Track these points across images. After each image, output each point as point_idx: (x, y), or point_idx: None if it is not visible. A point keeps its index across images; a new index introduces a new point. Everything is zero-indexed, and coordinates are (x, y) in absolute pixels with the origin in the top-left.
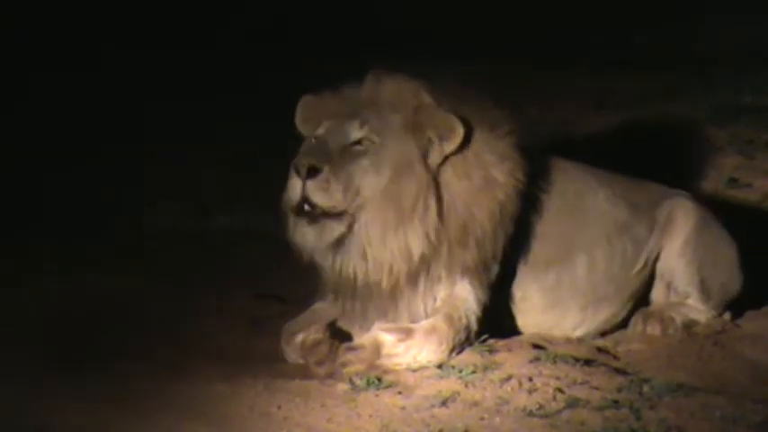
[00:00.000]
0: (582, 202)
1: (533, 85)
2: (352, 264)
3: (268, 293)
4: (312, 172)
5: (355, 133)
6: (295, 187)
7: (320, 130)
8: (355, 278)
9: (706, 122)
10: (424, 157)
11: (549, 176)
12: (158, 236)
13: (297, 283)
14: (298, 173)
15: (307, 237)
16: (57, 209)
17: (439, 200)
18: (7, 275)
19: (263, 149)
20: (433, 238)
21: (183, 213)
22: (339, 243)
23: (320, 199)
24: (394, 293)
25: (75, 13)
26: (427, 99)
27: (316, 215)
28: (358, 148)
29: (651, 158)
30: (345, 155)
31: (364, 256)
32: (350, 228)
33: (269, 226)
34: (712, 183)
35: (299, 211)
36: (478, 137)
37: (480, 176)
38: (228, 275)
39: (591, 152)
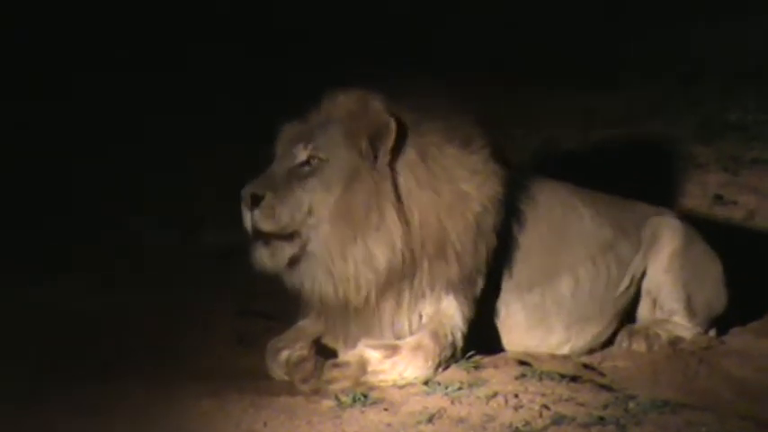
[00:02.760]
0: (567, 222)
1: (519, 103)
2: (317, 282)
3: (254, 310)
4: (256, 200)
5: (301, 154)
6: (246, 217)
7: (275, 158)
8: (325, 296)
9: (691, 140)
10: (371, 162)
11: (534, 194)
12: (146, 252)
13: (282, 299)
14: (245, 203)
15: (263, 259)
16: (45, 223)
17: (397, 206)
18: None
19: (252, 167)
20: (399, 245)
21: (171, 230)
22: (295, 263)
23: (267, 225)
24: (373, 309)
25: (75, 16)
26: (372, 106)
27: (268, 238)
28: (306, 168)
29: (637, 176)
30: (292, 177)
31: (329, 273)
32: (303, 247)
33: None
34: (697, 200)
35: (254, 235)
36: (447, 152)
37: (449, 191)
38: (215, 292)
39: (576, 170)
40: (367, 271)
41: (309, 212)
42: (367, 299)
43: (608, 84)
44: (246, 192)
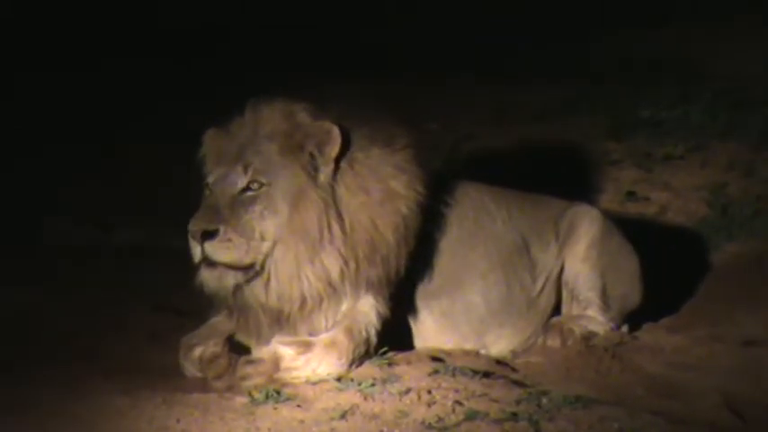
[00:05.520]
0: (479, 227)
1: (433, 99)
2: (266, 300)
3: (167, 306)
4: (207, 235)
5: (241, 180)
6: (195, 250)
7: (210, 178)
8: (268, 309)
9: (604, 136)
10: (314, 177)
11: (448, 197)
12: (59, 250)
13: (196, 296)
14: (194, 238)
15: (209, 282)
16: None
17: (339, 216)
18: None
19: (167, 165)
20: (344, 253)
21: (85, 228)
22: (240, 287)
23: (225, 256)
24: (302, 313)
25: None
26: (303, 118)
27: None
28: (248, 194)
29: (550, 172)
30: (238, 206)
31: (276, 292)
32: (252, 277)
33: (170, 241)
34: (610, 196)
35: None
36: (372, 153)
37: (379, 189)
38: (128, 289)
39: (491, 166)
40: (320, 285)
41: (261, 238)
42: (303, 307)
43: (521, 80)
44: (195, 228)
